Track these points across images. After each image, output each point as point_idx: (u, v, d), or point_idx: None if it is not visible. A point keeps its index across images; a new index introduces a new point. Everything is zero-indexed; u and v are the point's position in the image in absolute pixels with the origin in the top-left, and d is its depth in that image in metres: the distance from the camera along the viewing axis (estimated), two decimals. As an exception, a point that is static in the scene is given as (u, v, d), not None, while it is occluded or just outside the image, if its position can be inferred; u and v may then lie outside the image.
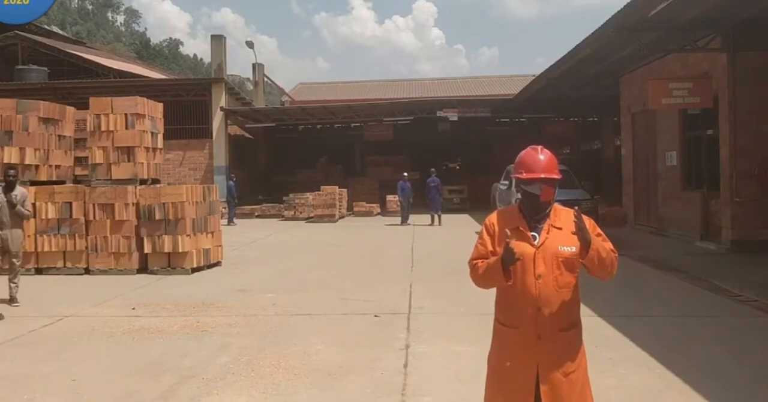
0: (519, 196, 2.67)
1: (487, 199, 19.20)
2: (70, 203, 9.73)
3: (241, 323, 6.31)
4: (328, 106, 25.20)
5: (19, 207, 7.25)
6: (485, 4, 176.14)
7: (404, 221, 18.71)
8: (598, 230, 2.54)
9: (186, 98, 23.19)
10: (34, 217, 9.69)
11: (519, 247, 2.41)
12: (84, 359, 5.17)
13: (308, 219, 20.51)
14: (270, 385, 4.44)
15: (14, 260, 7.30)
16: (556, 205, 2.60)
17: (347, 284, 8.53)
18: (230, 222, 19.65)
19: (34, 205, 9.70)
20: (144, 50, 78.03)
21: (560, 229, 2.53)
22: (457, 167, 31.92)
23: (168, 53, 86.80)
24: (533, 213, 2.57)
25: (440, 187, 19.10)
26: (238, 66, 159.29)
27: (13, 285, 7.34)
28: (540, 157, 2.55)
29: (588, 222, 2.48)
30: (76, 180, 11.03)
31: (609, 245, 2.52)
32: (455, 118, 23.19)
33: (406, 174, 19.91)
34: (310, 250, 12.82)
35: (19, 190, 7.41)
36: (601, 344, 5.36)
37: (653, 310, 6.86)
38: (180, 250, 9.56)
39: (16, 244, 7.31)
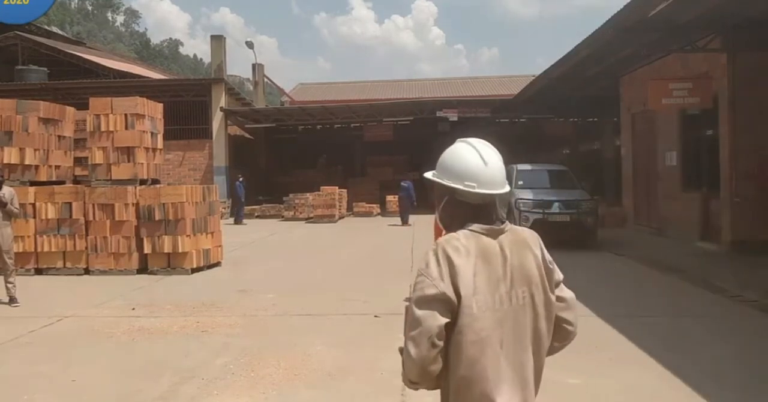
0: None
1: None
2: (70, 203, 9.73)
3: (241, 323, 6.31)
4: (328, 106, 25.16)
5: (9, 206, 7.33)
6: (485, 4, 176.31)
7: (404, 222, 18.70)
8: None
9: (186, 98, 23.19)
10: (34, 217, 9.72)
11: None
12: (84, 359, 5.17)
13: (308, 219, 20.51)
14: (270, 385, 4.43)
15: (7, 259, 7.35)
16: None
17: (347, 284, 8.52)
18: (239, 221, 20.01)
19: (33, 205, 9.75)
20: (144, 50, 78.08)
21: None
22: None
23: (168, 53, 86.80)
24: None
25: None
26: (238, 66, 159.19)
27: (10, 285, 7.37)
28: None
29: None
30: (76, 180, 11.02)
31: None
32: (455, 119, 23.18)
33: (410, 175, 19.92)
34: (310, 250, 12.82)
35: (6, 190, 7.47)
36: (601, 344, 5.37)
37: (653, 310, 6.87)
38: (180, 251, 9.56)
39: (7, 243, 7.38)
